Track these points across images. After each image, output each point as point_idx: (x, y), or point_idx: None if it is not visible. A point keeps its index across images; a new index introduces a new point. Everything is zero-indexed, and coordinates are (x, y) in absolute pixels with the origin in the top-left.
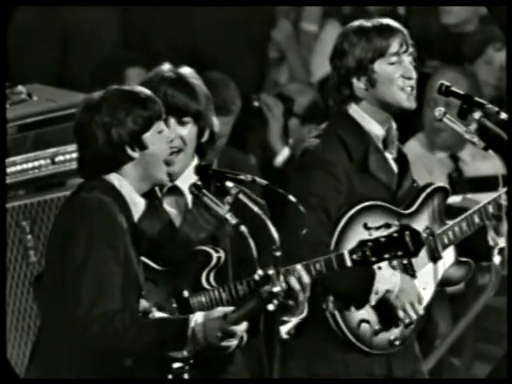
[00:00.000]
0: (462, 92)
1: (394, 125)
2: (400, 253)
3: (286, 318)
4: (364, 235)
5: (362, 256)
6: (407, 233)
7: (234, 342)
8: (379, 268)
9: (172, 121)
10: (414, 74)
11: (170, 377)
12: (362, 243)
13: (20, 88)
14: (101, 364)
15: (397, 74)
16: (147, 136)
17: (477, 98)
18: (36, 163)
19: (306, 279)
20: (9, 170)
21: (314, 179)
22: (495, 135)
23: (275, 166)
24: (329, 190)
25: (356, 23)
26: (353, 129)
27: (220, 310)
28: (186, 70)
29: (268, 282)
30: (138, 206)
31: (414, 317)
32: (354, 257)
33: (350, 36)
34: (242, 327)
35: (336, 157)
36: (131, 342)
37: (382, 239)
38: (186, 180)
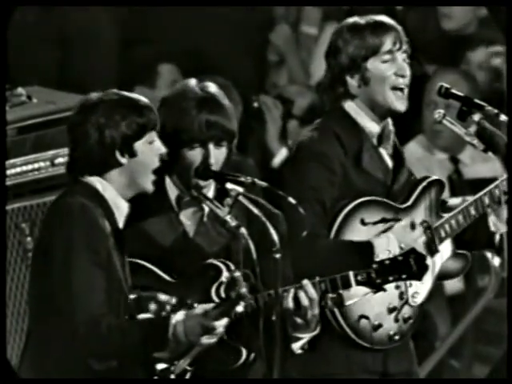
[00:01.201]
0: (461, 94)
1: (390, 121)
2: (404, 275)
3: (298, 335)
4: (361, 231)
5: (367, 277)
6: (412, 256)
7: (213, 340)
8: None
9: (211, 146)
10: (408, 72)
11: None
12: (368, 265)
13: (20, 90)
14: (87, 367)
15: (389, 71)
16: (138, 144)
17: (476, 100)
18: (36, 165)
19: (314, 295)
20: (8, 171)
21: (309, 171)
22: (495, 137)
23: (273, 166)
24: (323, 182)
25: (350, 20)
26: (347, 125)
27: (200, 307)
28: (215, 89)
29: (235, 284)
30: (121, 209)
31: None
32: (359, 278)
33: (343, 33)
34: (222, 323)
35: (331, 150)
36: (116, 345)
37: (387, 261)
38: (206, 192)
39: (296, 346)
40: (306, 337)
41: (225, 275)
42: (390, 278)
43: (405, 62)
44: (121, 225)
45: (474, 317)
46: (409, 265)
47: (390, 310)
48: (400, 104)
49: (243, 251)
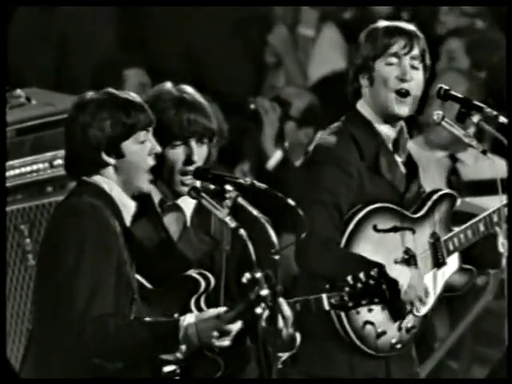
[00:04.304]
0: (460, 95)
1: (405, 128)
2: (376, 300)
3: (277, 354)
4: (373, 237)
5: (340, 300)
6: (383, 281)
7: (227, 342)
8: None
9: (193, 143)
10: (410, 77)
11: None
12: (340, 288)
13: (19, 92)
14: (92, 368)
15: (392, 75)
16: (126, 144)
17: (475, 102)
18: (34, 167)
19: (288, 313)
20: (7, 173)
21: (327, 175)
22: (494, 138)
23: (267, 169)
24: (341, 186)
25: (380, 23)
26: (364, 129)
27: (213, 311)
28: (192, 90)
29: (255, 286)
30: (128, 208)
31: (423, 310)
32: (332, 301)
33: (366, 34)
34: (236, 326)
35: (349, 154)
36: (123, 344)
37: (359, 285)
38: (187, 197)
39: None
40: (284, 355)
41: (246, 276)
42: (363, 302)
43: (412, 68)
44: (128, 223)
45: (472, 318)
46: (381, 289)
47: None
48: (401, 108)
49: (238, 254)
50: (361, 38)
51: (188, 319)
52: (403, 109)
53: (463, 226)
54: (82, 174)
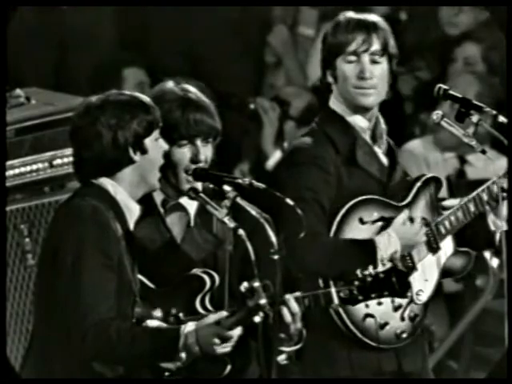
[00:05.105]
0: (459, 95)
1: (382, 119)
2: (386, 292)
3: (282, 349)
4: (361, 230)
5: (349, 294)
6: (393, 273)
7: (228, 348)
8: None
9: (199, 142)
10: (371, 74)
11: None
12: (350, 281)
13: (18, 91)
14: (92, 373)
15: (352, 73)
16: (148, 141)
17: (475, 102)
18: (34, 166)
19: (296, 309)
20: (7, 173)
21: (306, 174)
22: (493, 138)
23: (267, 169)
24: (320, 183)
25: (342, 16)
26: (338, 124)
27: (213, 317)
28: (194, 89)
29: (254, 294)
30: (132, 212)
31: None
32: (342, 295)
33: (331, 28)
34: (237, 332)
35: (324, 151)
36: (124, 350)
37: (369, 279)
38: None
39: (281, 358)
40: (289, 350)
41: (244, 285)
42: (372, 295)
43: (373, 63)
44: (131, 227)
45: (472, 318)
46: (390, 282)
47: (396, 309)
48: (367, 99)
49: (241, 253)
50: (326, 33)
51: (188, 327)
52: (369, 99)
53: (453, 209)
54: (98, 176)
